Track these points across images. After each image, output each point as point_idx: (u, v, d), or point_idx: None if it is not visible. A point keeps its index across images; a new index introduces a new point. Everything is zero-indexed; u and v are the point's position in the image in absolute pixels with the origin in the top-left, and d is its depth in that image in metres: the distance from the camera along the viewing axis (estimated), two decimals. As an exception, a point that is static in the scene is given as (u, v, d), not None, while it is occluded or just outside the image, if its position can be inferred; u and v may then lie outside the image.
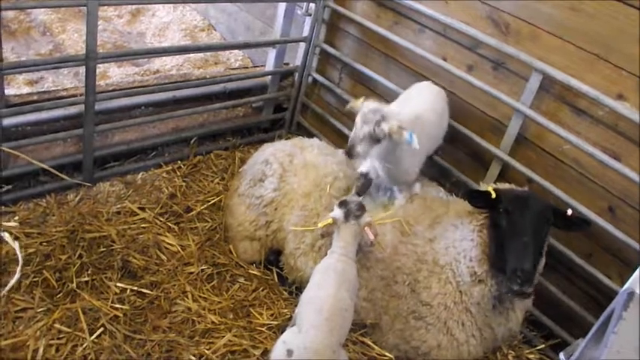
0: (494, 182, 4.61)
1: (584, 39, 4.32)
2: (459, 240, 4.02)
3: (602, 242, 4.47)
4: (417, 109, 4.43)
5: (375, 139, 3.92)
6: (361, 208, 3.95)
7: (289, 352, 3.31)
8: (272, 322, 4.37)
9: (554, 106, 4.59)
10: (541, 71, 4.48)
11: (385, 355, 4.27)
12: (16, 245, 3.69)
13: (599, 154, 4.24)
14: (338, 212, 3.95)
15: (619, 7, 4.11)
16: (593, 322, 4.28)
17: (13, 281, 3.49)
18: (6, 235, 3.72)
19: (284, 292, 4.74)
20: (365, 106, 3.98)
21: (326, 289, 3.62)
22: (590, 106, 4.39)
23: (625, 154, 4.26)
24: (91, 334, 3.91)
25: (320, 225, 3.97)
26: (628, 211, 4.31)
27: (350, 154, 3.96)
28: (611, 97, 4.16)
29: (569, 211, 3.79)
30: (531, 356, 4.65)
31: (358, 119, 3.95)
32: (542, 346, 4.73)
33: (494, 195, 3.84)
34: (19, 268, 3.56)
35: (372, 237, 3.91)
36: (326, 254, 4.01)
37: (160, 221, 5.05)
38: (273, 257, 4.89)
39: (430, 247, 4.15)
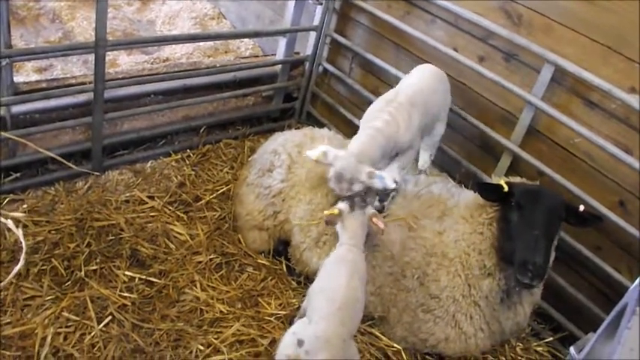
0: (505, 174, 4.60)
1: (598, 31, 4.29)
2: (468, 233, 4.01)
3: (612, 236, 4.44)
4: (401, 95, 4.37)
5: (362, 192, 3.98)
6: (364, 199, 3.95)
7: (300, 342, 3.31)
8: (280, 312, 4.37)
9: (566, 98, 4.56)
10: (553, 63, 4.44)
11: (393, 346, 4.28)
12: (19, 232, 3.68)
13: (610, 147, 4.21)
14: (343, 205, 3.94)
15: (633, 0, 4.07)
16: (601, 316, 4.31)
17: (17, 268, 3.48)
18: (9, 223, 3.71)
19: (292, 282, 4.74)
20: (329, 170, 3.96)
21: (338, 280, 3.60)
22: (602, 99, 4.36)
23: (637, 148, 4.22)
24: (99, 323, 3.92)
25: (326, 212, 3.95)
26: (638, 206, 4.28)
27: (353, 206, 3.98)
28: (623, 91, 4.12)
29: (582, 207, 3.77)
30: (539, 349, 4.66)
31: (332, 186, 3.97)
32: (550, 339, 4.74)
33: (506, 188, 3.82)
34: (22, 256, 3.55)
35: (382, 225, 3.91)
36: (331, 250, 4.01)
37: (169, 210, 5.05)
38: (282, 247, 4.87)
39: (439, 240, 4.13)
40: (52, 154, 4.54)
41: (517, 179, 4.04)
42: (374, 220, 3.93)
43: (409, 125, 4.22)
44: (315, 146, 4.64)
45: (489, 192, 3.93)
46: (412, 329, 4.19)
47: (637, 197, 4.28)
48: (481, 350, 4.25)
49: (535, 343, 4.69)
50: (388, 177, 3.87)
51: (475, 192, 4.16)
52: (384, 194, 4.30)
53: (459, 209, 4.20)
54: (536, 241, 3.62)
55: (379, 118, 4.13)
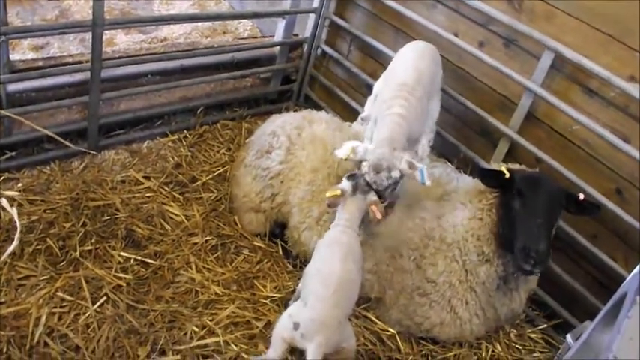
0: (503, 161, 4.61)
1: (600, 20, 4.26)
2: (467, 219, 4.01)
3: (609, 224, 4.44)
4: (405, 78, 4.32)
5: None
6: (369, 185, 3.92)
7: (295, 325, 3.33)
8: (275, 295, 4.37)
9: (565, 85, 4.55)
10: (553, 50, 4.42)
11: (388, 330, 4.29)
12: (14, 212, 3.66)
13: (608, 135, 4.21)
14: (346, 184, 3.93)
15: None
16: (596, 304, 4.32)
17: (11, 248, 3.47)
18: (4, 202, 3.69)
19: (288, 264, 4.74)
20: (362, 166, 3.93)
21: (332, 262, 3.61)
22: (601, 87, 4.35)
23: (635, 137, 4.21)
24: (93, 303, 3.91)
25: (328, 195, 3.94)
26: (635, 194, 4.28)
27: (356, 189, 3.94)
28: (622, 79, 4.11)
29: (581, 196, 3.77)
30: (533, 335, 4.67)
31: (370, 179, 3.91)
32: (545, 325, 4.74)
33: (507, 175, 3.81)
34: (17, 235, 3.54)
35: (379, 216, 3.89)
36: (330, 228, 4.01)
37: (165, 191, 5.03)
38: (278, 230, 4.87)
39: (438, 224, 4.14)
40: (48, 132, 4.52)
41: (516, 166, 4.04)
42: (373, 207, 3.90)
43: (423, 109, 4.22)
44: (314, 129, 4.63)
45: (490, 178, 3.92)
46: (408, 312, 4.20)
47: (634, 186, 4.27)
48: (475, 336, 4.28)
49: (529, 330, 4.69)
50: (427, 172, 3.85)
51: (475, 178, 4.15)
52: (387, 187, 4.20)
53: (458, 194, 4.21)
54: (538, 229, 3.63)
55: (397, 103, 4.08)
